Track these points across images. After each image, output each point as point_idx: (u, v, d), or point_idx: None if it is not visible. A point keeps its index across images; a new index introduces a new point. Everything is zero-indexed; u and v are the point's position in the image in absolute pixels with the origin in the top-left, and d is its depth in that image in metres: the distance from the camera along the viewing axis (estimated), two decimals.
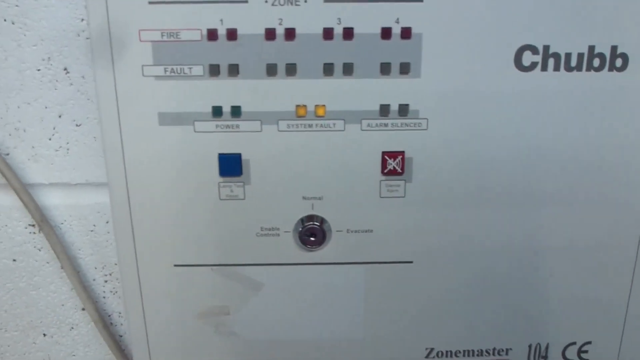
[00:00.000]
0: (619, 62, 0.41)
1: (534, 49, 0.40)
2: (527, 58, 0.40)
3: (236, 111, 0.41)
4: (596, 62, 0.41)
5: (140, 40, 0.39)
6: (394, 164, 0.42)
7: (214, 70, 0.40)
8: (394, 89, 0.41)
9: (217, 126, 0.41)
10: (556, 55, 0.41)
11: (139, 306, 0.45)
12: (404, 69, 0.40)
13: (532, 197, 0.44)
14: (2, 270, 0.53)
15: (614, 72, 0.41)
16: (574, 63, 0.41)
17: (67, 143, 0.49)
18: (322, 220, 0.43)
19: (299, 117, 0.41)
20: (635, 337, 0.48)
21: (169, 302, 0.45)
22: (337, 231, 0.44)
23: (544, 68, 0.41)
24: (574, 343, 0.48)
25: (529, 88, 0.41)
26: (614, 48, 0.41)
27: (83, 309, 0.55)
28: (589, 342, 0.49)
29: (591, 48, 0.41)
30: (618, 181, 0.44)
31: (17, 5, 0.46)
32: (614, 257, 0.46)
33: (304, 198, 0.43)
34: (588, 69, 0.41)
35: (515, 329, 0.48)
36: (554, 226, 0.45)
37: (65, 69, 0.47)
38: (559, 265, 0.46)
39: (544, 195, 0.44)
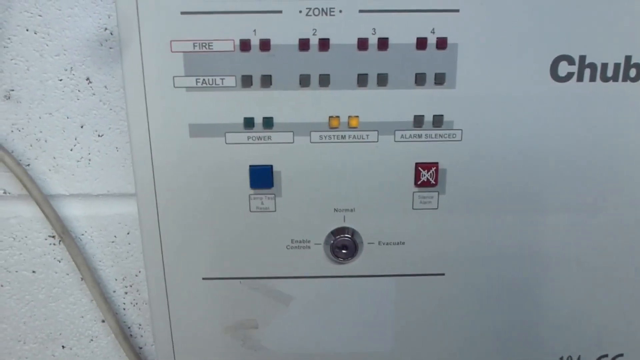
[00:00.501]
0: None
1: (570, 59, 0.40)
2: (563, 68, 0.40)
3: (268, 122, 0.40)
4: (632, 72, 0.40)
5: (172, 51, 0.39)
6: (427, 176, 0.41)
7: (247, 81, 0.39)
8: (428, 100, 0.40)
9: (248, 138, 0.40)
10: (592, 66, 0.40)
11: (165, 319, 0.45)
12: (439, 79, 0.39)
13: (568, 208, 0.43)
14: (22, 282, 0.53)
15: None
16: (610, 73, 0.40)
17: (89, 154, 0.49)
18: (353, 232, 0.42)
19: (332, 128, 0.40)
20: None
21: (196, 315, 0.45)
22: (369, 243, 0.43)
23: (580, 78, 0.40)
24: (606, 355, 0.48)
25: (565, 98, 0.40)
26: None
27: (103, 321, 0.54)
28: (621, 355, 0.48)
29: (627, 58, 0.40)
30: None
31: (40, 15, 0.45)
32: None
33: (336, 210, 0.42)
34: (624, 79, 0.41)
35: (547, 341, 0.47)
36: (590, 237, 0.44)
37: (87, 79, 0.47)
38: (592, 277, 0.45)
39: (581, 205, 0.43)
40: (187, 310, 0.44)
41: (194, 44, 0.38)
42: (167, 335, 0.45)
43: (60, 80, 0.47)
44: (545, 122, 0.41)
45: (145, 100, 0.39)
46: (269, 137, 0.40)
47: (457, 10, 0.38)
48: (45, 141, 0.49)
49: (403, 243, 0.43)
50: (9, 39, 0.46)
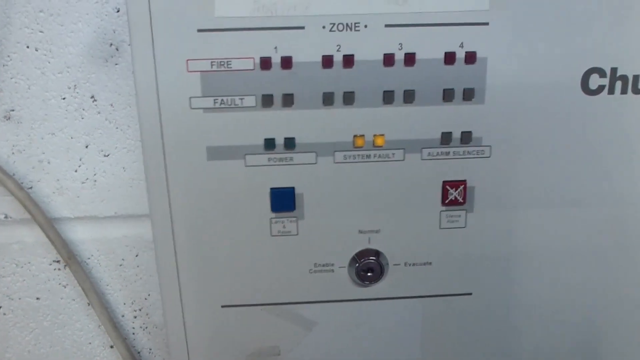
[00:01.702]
0: None
1: (601, 72, 0.39)
2: (594, 81, 0.39)
3: (290, 143, 0.39)
4: None
5: (188, 71, 0.37)
6: (455, 194, 0.40)
7: (267, 101, 0.38)
8: (456, 116, 0.39)
9: (269, 159, 0.39)
10: (623, 78, 0.39)
11: (183, 348, 0.43)
12: (468, 95, 0.38)
13: (602, 226, 0.42)
14: (25, 309, 0.51)
15: None
16: None
17: (94, 174, 0.47)
18: (378, 254, 0.41)
19: (357, 147, 0.39)
20: None
21: (215, 344, 0.43)
22: (395, 265, 0.42)
23: (611, 91, 0.39)
24: None
25: (596, 112, 0.39)
26: None
27: (112, 347, 0.52)
28: None
29: None
30: None
31: (41, 31, 0.44)
32: None
33: (360, 232, 0.41)
34: None
35: None
36: (620, 259, 0.43)
37: (92, 97, 0.45)
38: (622, 297, 0.44)
39: (615, 222, 0.42)
40: (205, 338, 0.43)
41: (211, 62, 0.37)
42: None
43: (64, 98, 0.45)
44: (577, 136, 0.39)
45: (160, 122, 0.38)
46: (291, 159, 0.39)
47: (487, 24, 0.37)
48: (49, 162, 0.47)
49: (430, 263, 0.42)
50: (9, 56, 0.44)
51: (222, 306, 0.42)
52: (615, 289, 0.44)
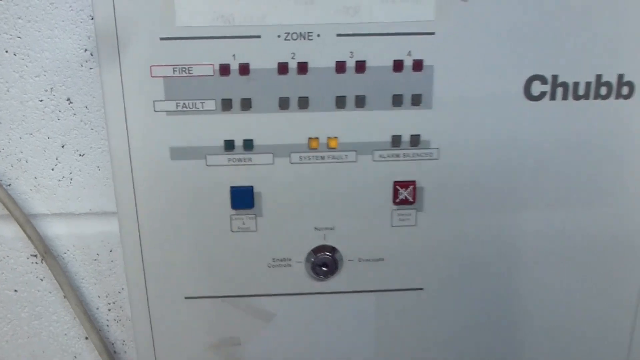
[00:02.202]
0: (625, 90, 0.42)
1: (542, 79, 0.41)
2: (537, 88, 0.41)
3: (248, 144, 0.41)
4: (603, 90, 0.41)
5: (152, 76, 0.39)
6: (405, 194, 0.42)
7: (227, 105, 0.40)
8: (405, 120, 0.41)
9: (229, 160, 0.41)
10: (564, 85, 0.41)
11: (149, 338, 0.45)
12: (416, 100, 0.40)
13: (544, 224, 0.44)
14: (4, 301, 0.53)
15: (621, 100, 0.42)
16: (581, 92, 0.41)
17: (70, 173, 0.49)
18: (334, 250, 0.43)
19: (312, 149, 0.41)
20: None
21: (179, 333, 0.45)
22: (349, 260, 0.44)
23: (553, 97, 0.41)
24: None
25: (539, 117, 0.41)
26: (620, 76, 0.41)
27: (86, 338, 0.54)
28: None
29: (598, 77, 0.41)
30: (630, 205, 0.44)
31: (19, 37, 0.45)
32: (619, 286, 0.46)
33: (316, 229, 0.43)
34: (595, 97, 0.42)
35: (524, 355, 0.48)
36: (564, 260, 0.45)
37: (68, 99, 0.47)
38: (570, 290, 0.46)
39: (557, 222, 0.44)
40: (170, 329, 0.45)
41: (173, 69, 0.39)
42: (151, 354, 0.45)
43: (41, 100, 0.47)
44: (520, 141, 0.42)
45: (126, 124, 0.40)
46: (250, 159, 0.41)
47: (433, 33, 0.39)
48: (26, 161, 0.49)
49: (382, 259, 0.44)
50: None
51: (186, 297, 0.44)
52: (554, 284, 0.45)
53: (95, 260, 0.52)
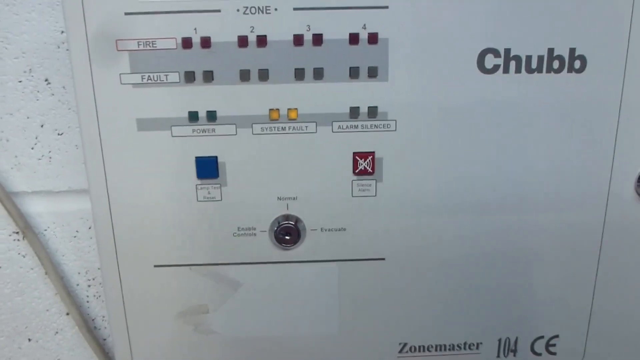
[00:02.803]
0: (577, 64, 0.43)
1: (495, 52, 0.42)
2: (490, 61, 0.42)
3: (212, 116, 0.42)
4: (556, 64, 0.43)
5: (118, 50, 0.41)
6: (364, 164, 0.44)
7: (190, 77, 0.41)
8: (363, 92, 0.42)
9: (193, 130, 0.43)
10: (517, 58, 0.42)
11: (120, 307, 0.47)
12: (372, 72, 0.42)
13: (495, 196, 0.45)
14: None
15: (573, 74, 0.43)
16: (534, 65, 0.43)
17: (50, 152, 0.51)
18: (297, 220, 0.45)
19: (272, 120, 0.43)
20: (600, 331, 0.50)
21: (149, 302, 0.47)
22: (312, 230, 0.45)
23: (506, 70, 0.43)
24: (542, 337, 0.50)
25: (492, 89, 0.43)
26: (572, 50, 0.43)
27: (67, 314, 0.56)
28: (557, 336, 0.50)
29: (550, 50, 0.42)
30: (576, 179, 0.45)
31: None
32: (579, 255, 0.47)
33: (279, 198, 0.44)
34: (548, 71, 0.43)
35: (486, 323, 0.49)
36: (519, 226, 0.46)
37: (46, 80, 0.49)
38: (526, 263, 0.47)
39: (508, 194, 0.45)
40: (140, 297, 0.46)
41: (138, 42, 0.41)
42: (122, 322, 0.47)
43: (20, 81, 0.49)
44: (474, 113, 0.43)
45: (94, 97, 0.42)
46: (213, 130, 0.43)
47: (387, 7, 0.41)
48: (7, 140, 0.51)
49: (344, 229, 0.45)
50: None
51: (155, 266, 0.46)
52: (512, 247, 0.47)
53: (75, 237, 0.54)
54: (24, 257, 0.54)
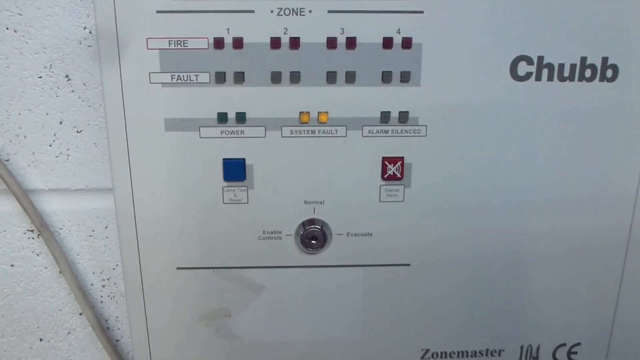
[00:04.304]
0: (609, 73, 0.43)
1: (528, 60, 0.42)
2: (522, 68, 0.42)
3: (241, 117, 0.42)
4: (588, 72, 0.43)
5: (148, 48, 0.40)
6: (393, 169, 0.43)
7: (220, 78, 0.41)
8: (394, 97, 0.42)
9: (222, 132, 0.42)
10: (550, 66, 0.42)
11: (141, 308, 0.46)
12: (405, 77, 0.41)
13: (525, 203, 0.45)
14: (0, 275, 0.54)
15: (605, 83, 0.43)
16: (566, 73, 0.42)
17: (68, 149, 0.50)
18: (323, 224, 0.44)
19: (302, 123, 0.42)
20: (622, 339, 0.50)
21: (170, 304, 0.46)
22: (338, 234, 0.45)
23: (539, 78, 0.42)
24: (564, 344, 0.50)
25: (524, 97, 0.42)
26: (604, 59, 0.43)
27: (80, 314, 0.55)
28: (579, 344, 0.50)
29: (583, 59, 0.42)
30: (605, 187, 0.45)
31: (20, 14, 0.46)
32: (603, 264, 0.47)
33: (306, 202, 0.44)
34: (580, 79, 0.43)
35: (508, 330, 0.49)
36: (546, 232, 0.46)
37: (66, 77, 0.48)
38: (551, 270, 0.47)
39: (537, 201, 0.45)
40: (161, 299, 0.46)
41: (169, 41, 0.40)
42: (142, 324, 0.46)
43: (40, 77, 0.48)
44: (506, 119, 0.43)
45: (122, 95, 0.41)
46: (242, 132, 0.42)
47: (422, 12, 0.40)
48: (25, 137, 0.50)
49: (370, 234, 0.45)
50: None
51: (178, 268, 0.45)
52: (538, 256, 0.46)
53: (91, 236, 0.53)
54: (38, 255, 0.53)
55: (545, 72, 0.42)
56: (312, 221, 0.44)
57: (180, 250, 0.45)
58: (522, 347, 0.49)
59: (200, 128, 0.42)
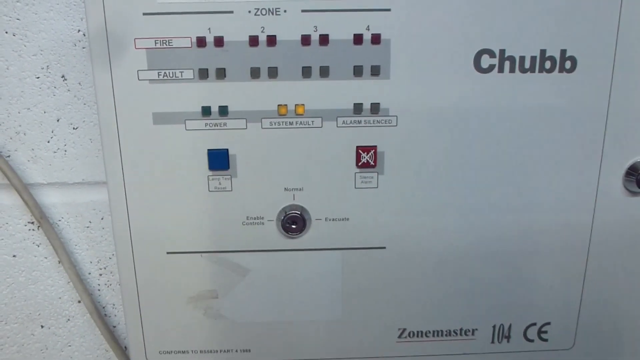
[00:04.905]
0: (568, 64, 0.45)
1: (491, 53, 0.45)
2: (485, 61, 0.45)
3: (224, 110, 0.45)
4: (547, 64, 0.45)
5: (136, 48, 0.43)
6: (367, 157, 0.46)
7: (203, 74, 0.44)
8: (366, 90, 0.45)
9: (206, 124, 0.45)
10: (511, 58, 0.45)
11: (134, 293, 0.49)
12: (375, 71, 0.44)
13: (493, 188, 0.48)
14: (3, 265, 0.57)
15: (564, 74, 0.45)
16: (527, 65, 0.45)
17: (65, 145, 0.53)
18: (302, 209, 0.47)
19: (281, 115, 0.45)
20: (590, 318, 0.53)
21: (162, 288, 0.49)
22: (316, 219, 0.48)
23: (501, 70, 0.45)
24: (535, 324, 0.53)
25: (488, 88, 0.45)
26: (563, 51, 0.45)
27: (79, 302, 0.58)
28: (548, 323, 0.53)
29: (543, 51, 0.45)
30: (570, 173, 0.48)
31: (18, 19, 0.49)
32: (570, 248, 0.50)
33: (286, 189, 0.47)
34: (540, 71, 0.45)
35: (481, 311, 0.52)
36: (515, 216, 0.49)
37: (63, 77, 0.51)
38: (521, 252, 0.50)
39: (504, 186, 0.48)
40: (153, 283, 0.49)
41: (155, 41, 0.43)
42: (136, 307, 0.49)
43: (38, 78, 0.51)
44: (471, 109, 0.46)
45: (113, 92, 0.44)
46: (225, 124, 0.45)
47: (389, 10, 0.43)
48: (24, 134, 0.53)
49: (347, 219, 0.48)
50: None
51: (168, 253, 0.48)
52: (506, 238, 0.49)
53: (88, 227, 0.56)
54: (38, 246, 0.56)
55: (507, 64, 0.45)
56: (292, 207, 0.47)
57: (170, 236, 0.48)
58: (494, 327, 0.52)
59: (186, 121, 0.45)
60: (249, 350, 0.51)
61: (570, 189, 0.48)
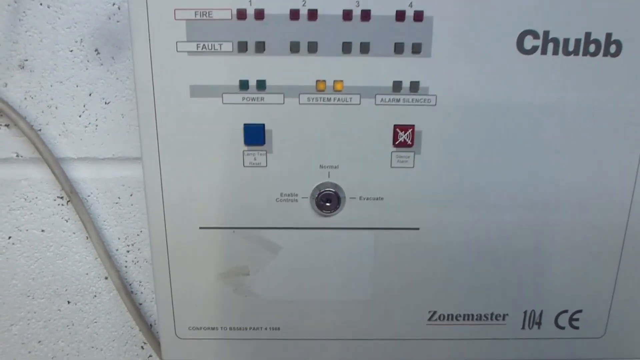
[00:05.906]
0: (613, 49, 0.45)
1: (535, 34, 0.44)
2: (529, 42, 0.44)
3: (261, 85, 0.44)
4: (592, 47, 0.45)
5: (175, 19, 0.43)
6: (404, 137, 0.46)
7: (242, 47, 0.43)
8: (406, 67, 0.44)
9: (243, 98, 0.45)
10: (555, 40, 0.44)
11: (165, 267, 0.49)
12: (416, 48, 0.44)
13: (530, 170, 0.47)
14: (31, 240, 0.57)
15: (609, 58, 0.45)
16: (571, 48, 0.44)
17: (96, 120, 0.53)
18: (337, 187, 0.47)
19: (319, 91, 0.45)
20: (622, 307, 0.52)
21: (193, 263, 0.49)
22: (351, 198, 0.47)
23: (544, 52, 0.45)
24: (566, 311, 0.52)
25: (530, 70, 0.45)
26: (608, 35, 0.44)
27: (106, 278, 0.58)
28: (580, 311, 0.52)
29: (587, 34, 0.44)
30: (608, 162, 0.47)
31: None
32: (605, 234, 0.50)
33: (321, 167, 0.47)
34: (584, 54, 0.45)
35: (512, 296, 0.51)
36: (552, 202, 0.48)
37: (96, 50, 0.51)
38: (555, 238, 0.49)
39: (543, 169, 0.47)
40: (185, 258, 0.49)
41: (195, 12, 0.43)
42: (167, 282, 0.49)
43: (71, 51, 0.51)
44: (511, 90, 0.45)
45: (151, 63, 0.44)
46: (262, 99, 0.45)
47: None
48: (56, 108, 0.53)
49: (382, 199, 0.47)
50: (24, 12, 0.50)
51: (200, 228, 0.48)
52: (542, 225, 0.49)
53: (117, 203, 0.56)
54: (67, 221, 0.56)
55: (550, 46, 0.44)
56: (326, 184, 0.47)
57: (203, 211, 0.47)
58: (525, 312, 0.51)
59: (223, 94, 0.44)
60: (278, 329, 0.51)
61: (609, 176, 0.48)
